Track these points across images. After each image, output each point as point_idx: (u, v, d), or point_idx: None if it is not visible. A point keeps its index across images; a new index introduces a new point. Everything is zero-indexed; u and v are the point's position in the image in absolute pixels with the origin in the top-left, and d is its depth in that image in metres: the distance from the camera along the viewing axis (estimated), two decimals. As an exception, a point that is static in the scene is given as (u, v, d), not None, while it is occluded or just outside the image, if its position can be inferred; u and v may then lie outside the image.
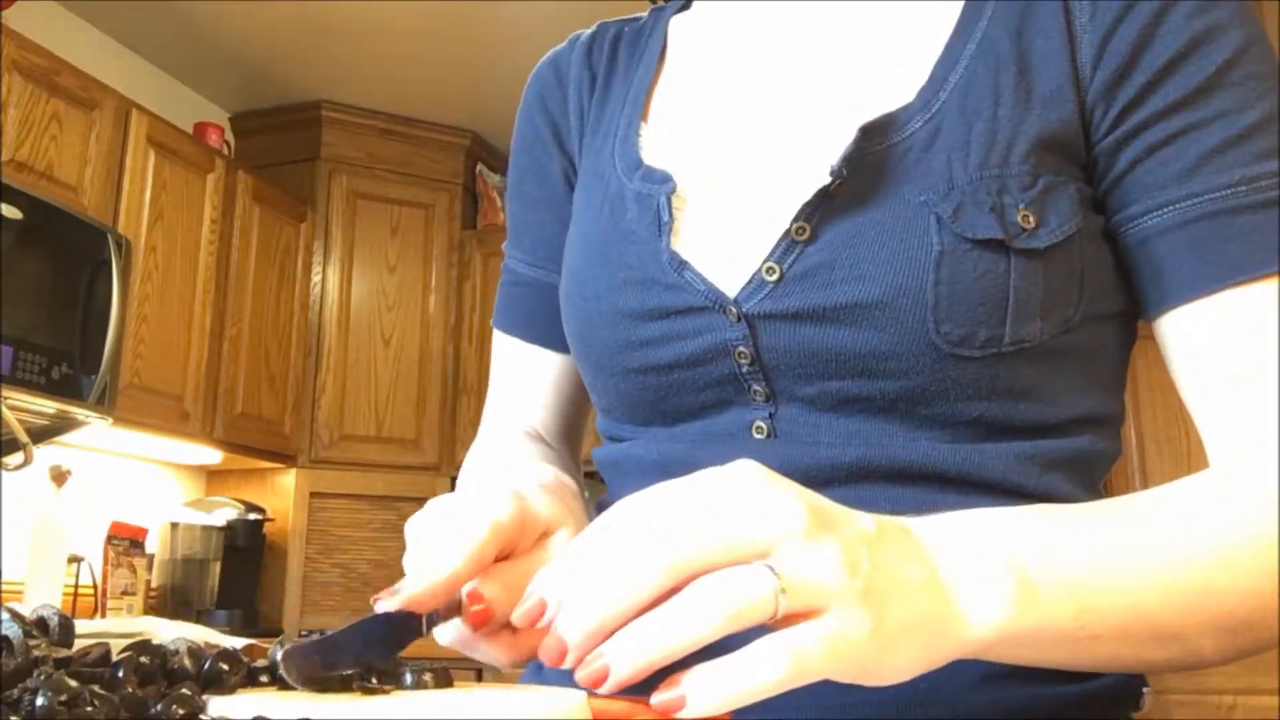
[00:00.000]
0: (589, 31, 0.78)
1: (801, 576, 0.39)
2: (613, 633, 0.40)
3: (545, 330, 0.77)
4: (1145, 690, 0.62)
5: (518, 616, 0.42)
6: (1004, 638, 0.44)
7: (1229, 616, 0.48)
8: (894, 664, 0.41)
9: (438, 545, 0.49)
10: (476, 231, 4.04)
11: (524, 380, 0.80)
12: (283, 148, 3.87)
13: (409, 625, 0.47)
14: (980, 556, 0.45)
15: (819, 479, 0.58)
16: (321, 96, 3.81)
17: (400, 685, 0.43)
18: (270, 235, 3.54)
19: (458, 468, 4.39)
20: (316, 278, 3.75)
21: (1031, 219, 0.56)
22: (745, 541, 0.40)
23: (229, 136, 3.83)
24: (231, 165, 3.39)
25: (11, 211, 2.43)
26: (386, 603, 0.47)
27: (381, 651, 0.44)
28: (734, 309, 0.59)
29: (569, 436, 0.81)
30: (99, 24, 3.33)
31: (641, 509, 0.42)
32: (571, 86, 0.76)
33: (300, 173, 3.83)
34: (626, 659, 0.39)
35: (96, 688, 0.36)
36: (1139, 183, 0.58)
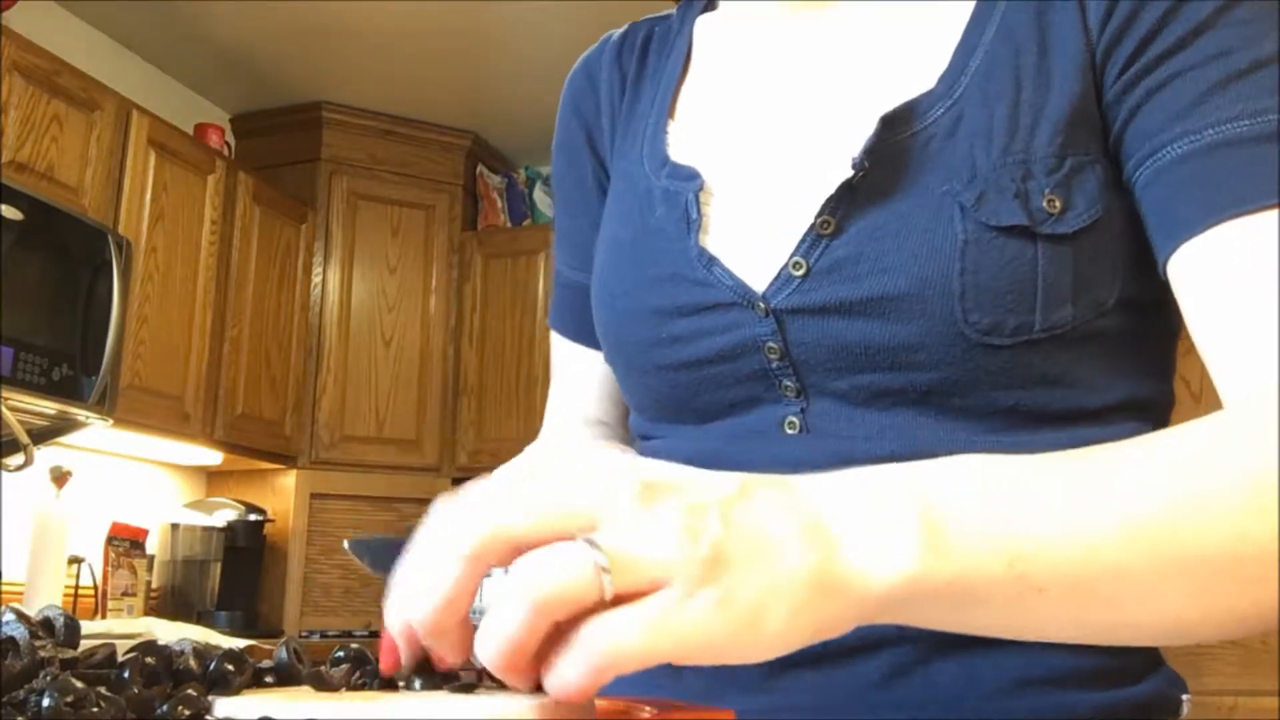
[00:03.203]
0: (619, 32, 0.79)
1: (630, 549, 0.34)
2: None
3: (590, 331, 0.76)
4: (1185, 698, 0.60)
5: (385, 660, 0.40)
6: (915, 592, 0.38)
7: (1208, 567, 0.40)
8: (760, 638, 0.35)
9: None
10: (477, 233, 4.04)
11: (579, 377, 0.81)
12: (283, 149, 3.87)
13: None
14: (878, 500, 0.39)
15: None
16: (322, 97, 3.81)
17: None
18: (271, 236, 3.54)
19: (458, 469, 4.37)
20: (317, 279, 3.75)
21: (1058, 203, 0.55)
22: (563, 510, 0.35)
23: (229, 138, 3.83)
24: (232, 166, 3.39)
25: (12, 212, 2.43)
26: None
27: None
28: (762, 304, 0.59)
29: (627, 426, 0.82)
30: (99, 25, 3.33)
31: (462, 494, 0.38)
32: (603, 89, 0.77)
33: (301, 174, 3.83)
34: (489, 667, 0.36)
35: (102, 689, 0.36)
36: (1139, 130, 0.56)
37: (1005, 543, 0.39)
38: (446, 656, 0.38)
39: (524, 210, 4.11)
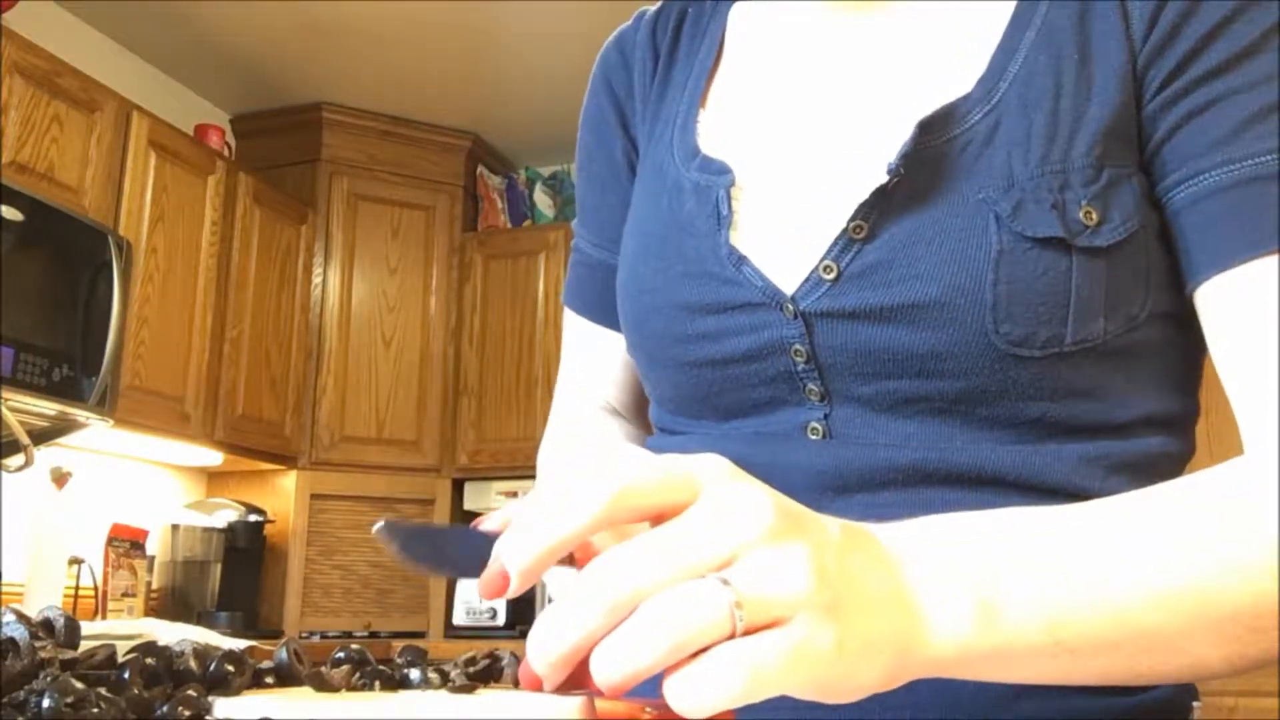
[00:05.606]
0: (654, 9, 0.78)
1: (761, 588, 0.36)
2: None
3: (610, 311, 0.75)
4: (1196, 705, 0.60)
5: (482, 585, 0.40)
6: (967, 656, 0.41)
7: (1232, 623, 0.44)
8: (857, 681, 0.38)
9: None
10: (477, 234, 4.04)
11: (594, 358, 0.80)
12: (283, 150, 3.87)
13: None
14: (942, 570, 0.41)
15: (875, 481, 0.57)
16: (322, 98, 3.81)
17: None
18: (271, 237, 3.54)
19: (458, 469, 4.36)
20: (317, 279, 3.75)
21: (1094, 215, 0.55)
22: (701, 558, 0.36)
23: (230, 138, 3.83)
24: (232, 167, 3.39)
25: (12, 213, 2.43)
26: (489, 523, 0.45)
27: (475, 568, 0.42)
28: (790, 306, 0.59)
29: (640, 411, 0.80)
30: (100, 26, 3.33)
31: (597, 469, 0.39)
32: (636, 66, 0.76)
33: (301, 174, 3.83)
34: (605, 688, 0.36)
35: (103, 689, 0.36)
36: (1177, 150, 0.55)
37: (1046, 614, 0.42)
38: (546, 682, 0.38)
39: (524, 211, 4.11)
